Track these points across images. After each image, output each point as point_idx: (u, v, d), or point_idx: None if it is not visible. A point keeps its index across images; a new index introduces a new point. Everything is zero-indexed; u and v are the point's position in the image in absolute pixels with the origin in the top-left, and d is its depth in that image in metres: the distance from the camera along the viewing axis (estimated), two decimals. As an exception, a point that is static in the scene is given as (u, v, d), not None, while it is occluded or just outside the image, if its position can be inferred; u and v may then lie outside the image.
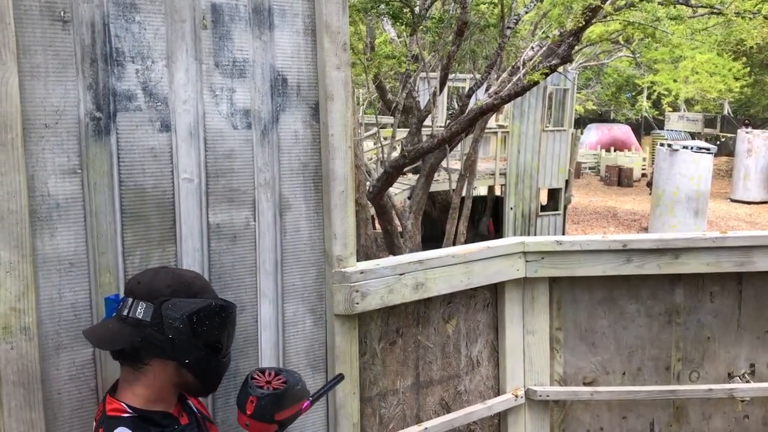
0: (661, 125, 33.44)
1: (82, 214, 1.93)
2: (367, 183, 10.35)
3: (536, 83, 9.14)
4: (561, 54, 8.89)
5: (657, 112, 27.16)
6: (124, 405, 1.74)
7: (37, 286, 1.87)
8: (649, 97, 25.59)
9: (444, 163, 12.84)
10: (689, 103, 30.45)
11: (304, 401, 2.00)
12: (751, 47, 16.36)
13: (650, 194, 20.87)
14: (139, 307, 1.71)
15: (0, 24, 1.74)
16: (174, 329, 1.70)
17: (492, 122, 16.72)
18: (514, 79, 9.27)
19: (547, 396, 3.03)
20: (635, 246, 2.90)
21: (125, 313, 1.71)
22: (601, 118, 35.02)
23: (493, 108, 9.93)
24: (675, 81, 20.80)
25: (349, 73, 2.31)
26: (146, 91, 2.00)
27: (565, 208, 18.66)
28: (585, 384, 3.11)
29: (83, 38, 1.89)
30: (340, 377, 2.25)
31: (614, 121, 34.35)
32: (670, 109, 29.53)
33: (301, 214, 2.33)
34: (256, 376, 1.95)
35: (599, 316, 3.08)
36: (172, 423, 1.79)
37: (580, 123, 31.12)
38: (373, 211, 11.08)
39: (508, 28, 9.66)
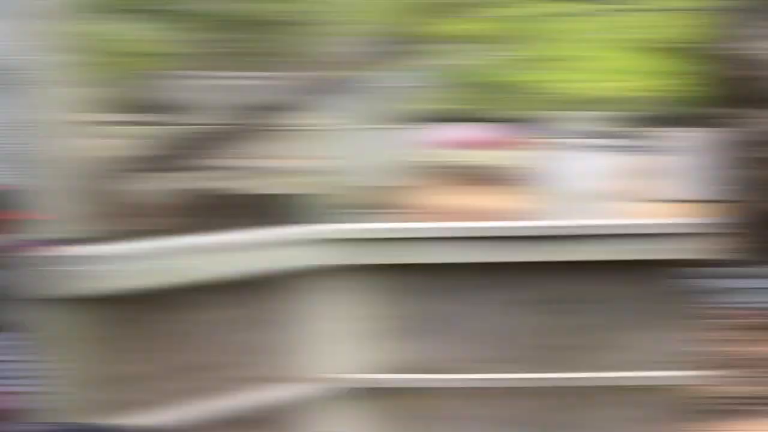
0: (552, 124, 32.32)
1: None
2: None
3: (337, 81, 7.19)
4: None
5: (546, 111, 25.54)
6: None
7: None
8: (536, 95, 23.83)
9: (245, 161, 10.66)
10: (589, 101, 29.26)
11: None
12: (655, 41, 14.67)
13: (532, 194, 19.20)
14: None
15: None
16: None
17: (299, 119, 14.51)
18: (310, 75, 7.20)
19: (362, 385, 3.06)
20: (466, 234, 3.02)
21: None
22: (467, 117, 33.70)
23: (284, 107, 8.07)
24: (568, 81, 18.96)
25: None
26: None
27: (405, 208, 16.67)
28: (404, 373, 3.13)
29: None
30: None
31: (485, 120, 33.02)
32: (565, 108, 28.17)
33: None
34: None
35: (438, 304, 3.12)
36: None
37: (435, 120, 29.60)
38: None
39: (306, 25, 7.59)
